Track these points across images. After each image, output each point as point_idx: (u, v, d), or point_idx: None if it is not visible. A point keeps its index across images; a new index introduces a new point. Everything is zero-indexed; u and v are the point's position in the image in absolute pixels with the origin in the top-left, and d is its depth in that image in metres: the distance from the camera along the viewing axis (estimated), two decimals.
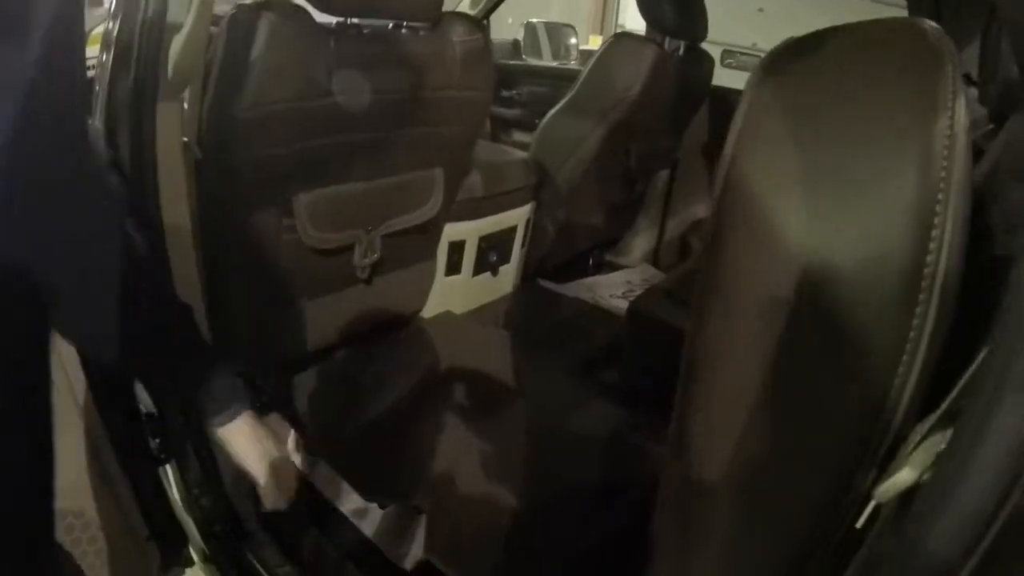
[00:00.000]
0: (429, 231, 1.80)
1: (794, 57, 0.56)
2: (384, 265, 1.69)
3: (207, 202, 1.27)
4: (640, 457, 1.49)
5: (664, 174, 2.86)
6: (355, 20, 1.32)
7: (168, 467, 1.32)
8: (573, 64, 3.52)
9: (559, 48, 3.59)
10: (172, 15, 1.04)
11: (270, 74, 1.20)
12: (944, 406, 0.41)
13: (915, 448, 0.40)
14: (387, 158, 1.51)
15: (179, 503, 1.35)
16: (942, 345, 0.44)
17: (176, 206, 1.16)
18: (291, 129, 1.27)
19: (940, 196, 0.45)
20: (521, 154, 2.31)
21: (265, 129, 1.24)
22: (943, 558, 0.34)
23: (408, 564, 1.33)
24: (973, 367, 0.40)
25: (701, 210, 2.94)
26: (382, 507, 1.44)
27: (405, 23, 1.40)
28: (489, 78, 1.60)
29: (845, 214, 0.47)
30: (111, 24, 1.06)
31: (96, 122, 1.08)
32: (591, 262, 2.89)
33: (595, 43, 5.81)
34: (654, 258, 3.02)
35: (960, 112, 0.47)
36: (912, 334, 0.44)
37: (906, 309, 0.44)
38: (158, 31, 1.04)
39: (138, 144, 1.07)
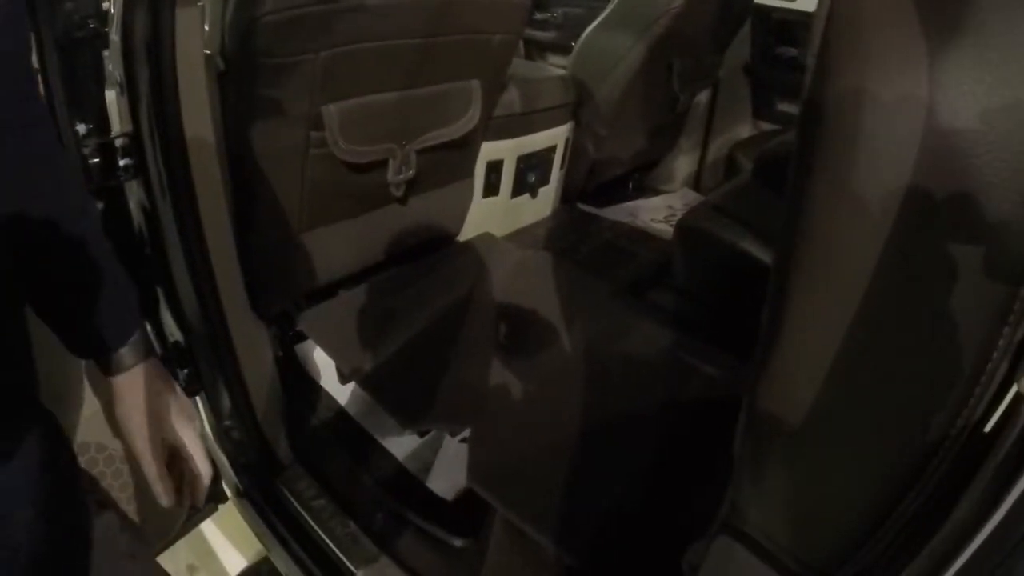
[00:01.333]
0: (466, 147, 1.72)
1: None
2: (419, 183, 1.62)
3: (231, 117, 1.21)
4: (691, 376, 1.43)
5: (706, 94, 2.74)
6: None
7: (198, 399, 1.28)
8: None
9: None
10: None
11: None
12: None
13: None
14: (421, 67, 1.42)
15: (210, 437, 1.32)
16: None
17: (199, 122, 1.09)
18: (318, 34, 1.20)
19: None
20: (559, 70, 2.20)
21: (291, 33, 1.17)
22: None
23: (449, 494, 1.29)
24: None
25: (745, 131, 2.83)
26: (420, 435, 1.40)
27: None
28: None
29: (978, 75, 0.39)
30: None
31: (113, 34, 1.00)
32: (631, 186, 2.80)
33: None
34: (695, 182, 2.93)
35: None
36: None
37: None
38: None
39: (156, 56, 1.00)
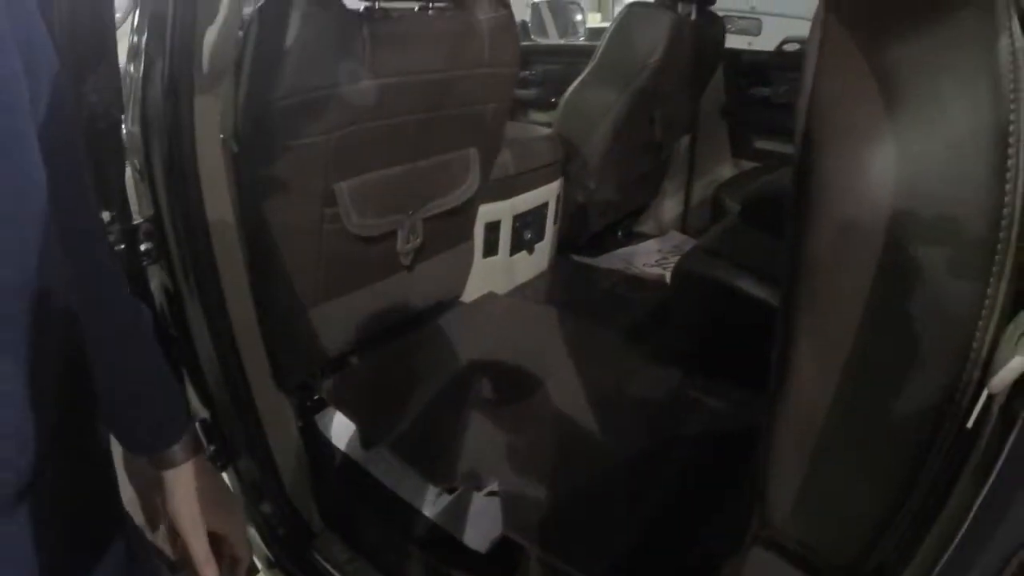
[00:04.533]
0: (466, 212, 1.83)
1: None
2: (425, 250, 1.71)
3: (247, 197, 1.29)
4: (697, 411, 1.52)
5: (686, 139, 2.89)
6: (383, 4, 1.34)
7: (225, 475, 1.32)
8: (581, 41, 3.54)
9: (566, 26, 3.60)
10: (202, 5, 1.05)
11: (306, 61, 1.22)
12: None
13: (1018, 339, 0.43)
14: (424, 140, 1.53)
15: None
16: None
17: (221, 204, 1.17)
18: (329, 116, 1.29)
19: (1013, 111, 0.47)
20: (547, 130, 2.33)
21: (303, 117, 1.26)
22: None
23: (483, 545, 1.35)
24: None
25: (726, 170, 2.97)
26: (449, 492, 1.47)
27: (431, 3, 1.42)
28: (517, 52, 1.62)
29: (930, 129, 0.49)
30: (137, 17, 1.06)
31: (130, 123, 1.07)
32: (620, 234, 2.92)
33: (595, 21, 5.80)
34: (682, 224, 3.06)
35: (1017, 31, 0.49)
36: (1001, 236, 0.47)
37: (995, 212, 0.47)
38: (190, 22, 1.04)
39: (177, 142, 1.07)
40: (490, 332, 1.83)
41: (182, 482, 0.76)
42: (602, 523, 1.25)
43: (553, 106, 2.67)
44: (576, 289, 2.32)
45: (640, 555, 1.19)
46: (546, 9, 3.60)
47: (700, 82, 2.64)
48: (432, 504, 1.47)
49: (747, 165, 2.95)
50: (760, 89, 2.79)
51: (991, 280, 0.48)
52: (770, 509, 0.66)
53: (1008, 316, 0.47)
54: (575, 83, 2.36)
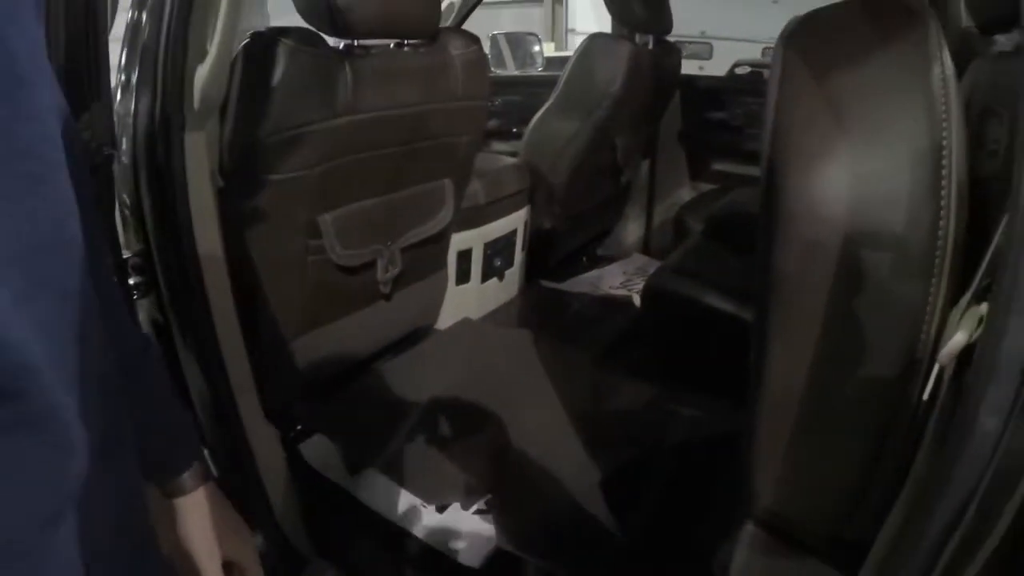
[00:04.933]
0: (441, 241, 1.90)
1: (811, 29, 0.68)
2: (403, 278, 1.78)
3: (233, 231, 1.34)
4: (675, 420, 1.60)
5: (646, 163, 3.01)
6: (362, 42, 1.41)
7: None
8: (540, 71, 3.65)
9: (524, 57, 3.72)
10: (192, 43, 1.11)
11: (293, 98, 1.29)
12: (975, 286, 0.53)
13: (959, 319, 0.52)
14: (401, 172, 1.61)
15: None
16: (971, 245, 0.56)
17: (209, 238, 1.22)
18: (314, 150, 1.36)
19: (945, 131, 0.57)
20: (513, 160, 2.42)
21: (289, 152, 1.33)
22: (1001, 396, 0.45)
23: (476, 561, 1.40)
24: (987, 257, 0.52)
25: (685, 193, 3.09)
26: (439, 511, 1.53)
27: (407, 41, 1.50)
28: (487, 86, 1.71)
29: (876, 150, 0.58)
30: (127, 54, 1.11)
31: (125, 159, 1.12)
32: (585, 258, 3.02)
33: (549, 50, 5.96)
34: (645, 246, 3.16)
35: (947, 60, 0.59)
36: (939, 240, 0.56)
37: (932, 221, 0.56)
38: (180, 61, 1.10)
39: (168, 178, 1.13)
40: (469, 356, 1.89)
41: (195, 509, 0.77)
42: (595, 529, 1.31)
43: (515, 136, 2.76)
44: (547, 313, 2.40)
45: (635, 555, 1.26)
46: (504, 41, 3.72)
47: (658, 108, 2.77)
48: (422, 525, 1.51)
49: (705, 187, 3.08)
50: (715, 113, 2.92)
51: (933, 280, 0.56)
52: (756, 492, 0.74)
53: (951, 304, 0.56)
54: (539, 113, 2.47)
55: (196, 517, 0.77)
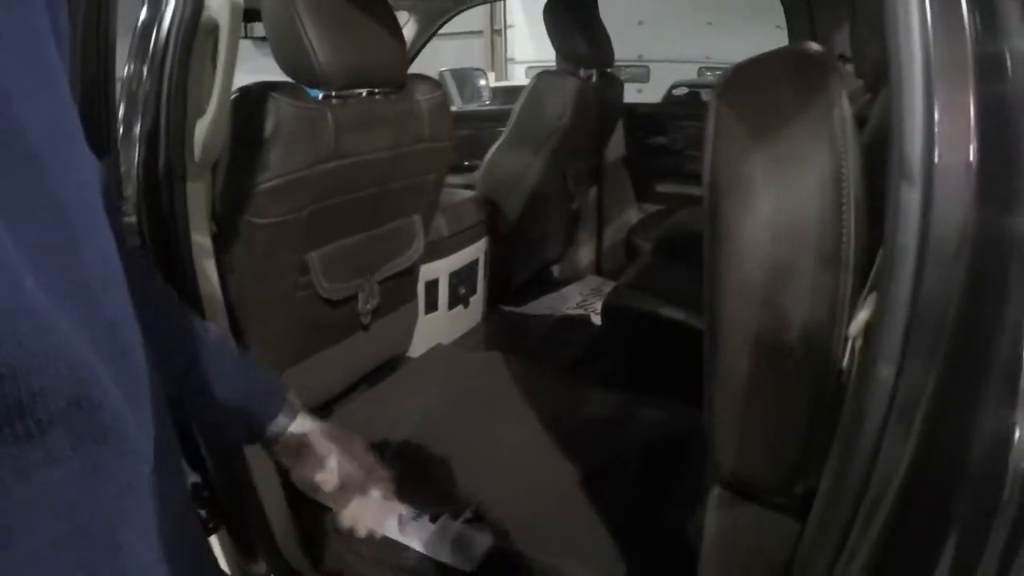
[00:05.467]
0: (412, 273, 2.06)
1: (739, 81, 0.86)
2: (379, 310, 1.93)
3: (227, 272, 1.47)
4: (641, 422, 1.78)
5: (594, 189, 3.21)
6: (338, 93, 1.55)
7: (216, 536, 1.46)
8: (488, 104, 3.85)
9: (471, 92, 3.91)
10: (191, 96, 1.24)
11: (284, 148, 1.42)
12: (872, 279, 0.71)
13: (863, 303, 0.69)
14: (378, 210, 1.76)
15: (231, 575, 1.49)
16: (865, 248, 0.74)
17: (209, 281, 1.36)
18: (304, 195, 1.50)
19: (844, 161, 0.75)
20: (471, 193, 2.60)
21: (282, 198, 1.46)
22: (891, 347, 0.62)
23: (471, 565, 1.52)
24: (878, 261, 0.70)
25: (632, 215, 3.31)
26: (432, 521, 1.66)
27: (378, 90, 1.65)
28: (451, 127, 1.87)
29: (793, 182, 0.76)
30: (126, 104, 1.23)
31: (130, 208, 1.24)
32: (541, 283, 3.19)
33: (491, 80, 6.18)
34: (597, 268, 3.37)
35: (845, 103, 0.77)
36: (844, 245, 0.74)
37: (838, 232, 0.74)
38: (181, 114, 1.23)
39: (172, 226, 1.26)
40: (446, 379, 2.04)
41: (316, 441, 0.87)
42: (579, 519, 1.46)
43: (466, 168, 2.94)
44: (512, 336, 2.56)
45: (619, 537, 1.41)
46: (450, 77, 3.91)
47: (604, 137, 2.98)
48: (416, 535, 1.65)
49: (651, 208, 3.30)
50: (657, 138, 3.15)
51: (842, 275, 0.74)
52: (719, 460, 0.90)
53: (858, 291, 0.74)
54: (492, 148, 2.65)
55: (315, 438, 0.88)
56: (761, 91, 0.84)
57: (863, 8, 1.54)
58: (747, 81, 0.86)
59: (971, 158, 0.56)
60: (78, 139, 0.45)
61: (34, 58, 0.40)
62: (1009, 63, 0.56)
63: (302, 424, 0.89)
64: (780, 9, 2.62)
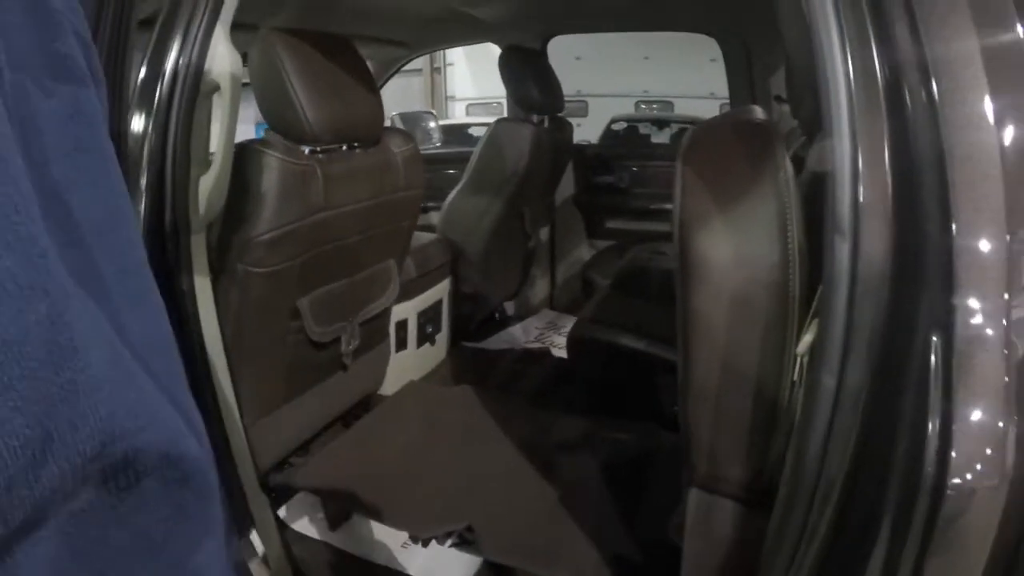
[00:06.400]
0: (386, 314, 2.21)
1: (699, 146, 1.05)
2: (359, 350, 2.08)
3: (223, 317, 1.58)
4: (608, 444, 1.96)
5: (546, 228, 3.41)
6: (321, 148, 1.69)
7: None
8: (438, 146, 4.03)
9: (422, 134, 4.08)
10: (194, 153, 1.36)
11: (280, 201, 1.55)
12: (814, 309, 0.90)
13: (808, 327, 0.88)
14: (360, 257, 1.91)
15: None
16: (809, 285, 0.93)
17: (211, 328, 1.50)
18: (298, 245, 1.64)
19: (788, 212, 0.94)
20: (433, 235, 2.77)
21: (278, 248, 1.59)
22: (833, 364, 0.81)
23: None
24: (820, 290, 0.88)
25: (584, 251, 3.52)
26: (424, 545, 1.78)
27: (358, 144, 1.81)
28: (423, 177, 2.04)
29: (746, 229, 0.95)
30: (130, 162, 1.34)
31: None
32: (498, 317, 3.38)
33: None
34: (550, 302, 3.56)
35: (787, 165, 0.97)
36: (791, 282, 0.93)
37: (786, 271, 0.93)
38: (185, 170, 1.35)
39: (177, 275, 1.38)
40: (422, 413, 2.19)
41: None
42: (567, 533, 1.61)
43: (422, 211, 3.11)
44: (478, 370, 2.72)
45: (608, 544, 1.56)
46: (400, 121, 4.08)
47: (556, 178, 3.20)
48: (408, 561, 1.78)
49: (602, 244, 3.52)
50: (604, 177, 3.38)
51: (790, 305, 0.93)
52: (694, 463, 1.08)
53: (804, 317, 0.93)
54: (453, 192, 2.84)
55: None
56: (718, 155, 1.04)
57: (796, 63, 1.76)
58: (705, 146, 1.05)
59: (887, 216, 0.75)
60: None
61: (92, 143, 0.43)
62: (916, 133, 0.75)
63: None
64: (714, 43, 2.87)
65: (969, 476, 0.71)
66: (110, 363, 0.37)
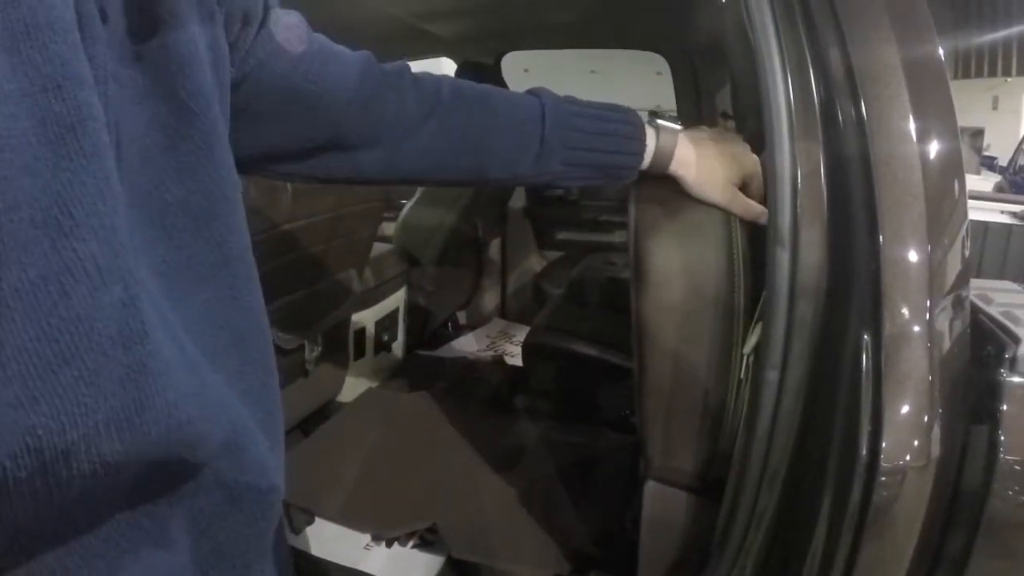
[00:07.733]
0: (345, 323, 2.27)
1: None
2: (320, 357, 2.13)
3: None
4: (565, 447, 2.05)
5: (497, 239, 3.49)
6: None
7: None
8: None
9: None
10: None
11: (253, 212, 1.58)
12: (758, 313, 0.99)
13: (754, 329, 0.97)
14: (323, 266, 1.97)
15: None
16: (753, 291, 1.02)
17: None
18: (267, 250, 1.70)
19: (733, 229, 1.03)
20: (389, 246, 2.82)
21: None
22: (776, 360, 0.90)
23: None
24: (764, 295, 0.97)
25: (534, 261, 3.60)
26: (387, 545, 1.82)
27: None
28: (384, 190, 2.10)
29: (695, 240, 1.04)
30: None
31: None
32: (450, 327, 3.46)
33: None
34: (501, 311, 3.63)
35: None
36: (736, 288, 1.02)
37: (731, 275, 1.02)
38: None
39: None
40: (384, 418, 2.23)
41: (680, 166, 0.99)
42: (529, 529, 1.69)
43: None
44: (434, 377, 2.77)
45: (568, 538, 1.64)
46: None
47: (509, 190, 3.27)
48: (371, 562, 1.82)
49: (552, 255, 3.60)
50: (555, 190, 3.46)
51: (735, 311, 1.02)
52: (649, 457, 1.16)
53: (749, 322, 1.02)
54: (409, 203, 2.90)
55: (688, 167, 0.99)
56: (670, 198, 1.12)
57: (741, 83, 1.85)
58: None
59: (823, 227, 0.85)
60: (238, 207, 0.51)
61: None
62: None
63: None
64: (660, 58, 2.97)
65: (899, 461, 0.79)
66: (179, 352, 0.40)
